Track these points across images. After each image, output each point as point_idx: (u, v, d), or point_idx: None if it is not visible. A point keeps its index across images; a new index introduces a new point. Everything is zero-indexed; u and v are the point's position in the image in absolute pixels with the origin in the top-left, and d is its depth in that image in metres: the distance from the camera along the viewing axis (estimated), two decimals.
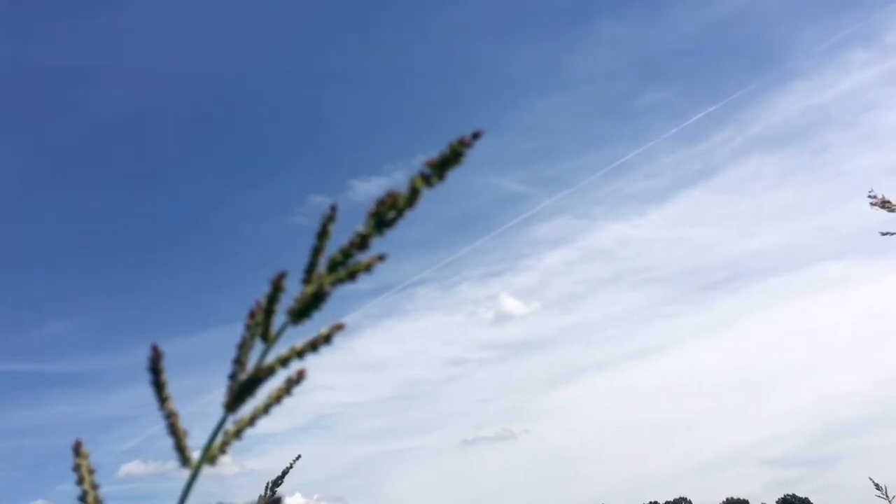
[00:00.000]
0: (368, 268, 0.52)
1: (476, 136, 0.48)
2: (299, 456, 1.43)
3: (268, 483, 1.44)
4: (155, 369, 0.51)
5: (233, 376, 0.53)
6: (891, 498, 2.77)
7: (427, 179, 0.49)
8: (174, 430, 0.53)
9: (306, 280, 0.52)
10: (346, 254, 0.51)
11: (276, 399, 0.57)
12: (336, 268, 0.51)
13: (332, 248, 0.53)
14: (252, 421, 0.56)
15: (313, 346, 0.54)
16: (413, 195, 0.49)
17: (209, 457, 0.54)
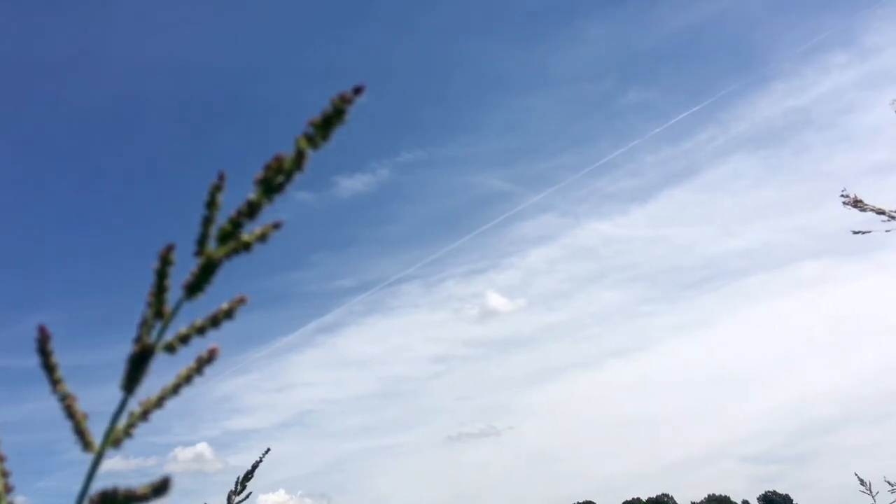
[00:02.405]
0: (263, 238, 0.50)
1: (357, 91, 0.45)
2: (268, 450, 1.42)
3: (238, 478, 1.43)
4: (43, 351, 0.49)
5: (129, 355, 0.51)
6: (874, 493, 2.75)
7: (311, 140, 0.46)
8: (71, 413, 0.51)
9: (198, 253, 0.50)
10: (236, 223, 0.49)
11: (186, 379, 0.55)
12: (227, 239, 0.49)
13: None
14: (160, 402, 0.54)
15: (214, 322, 0.52)
16: (299, 157, 0.47)
17: (112, 440, 0.52)
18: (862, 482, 2.73)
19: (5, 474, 0.56)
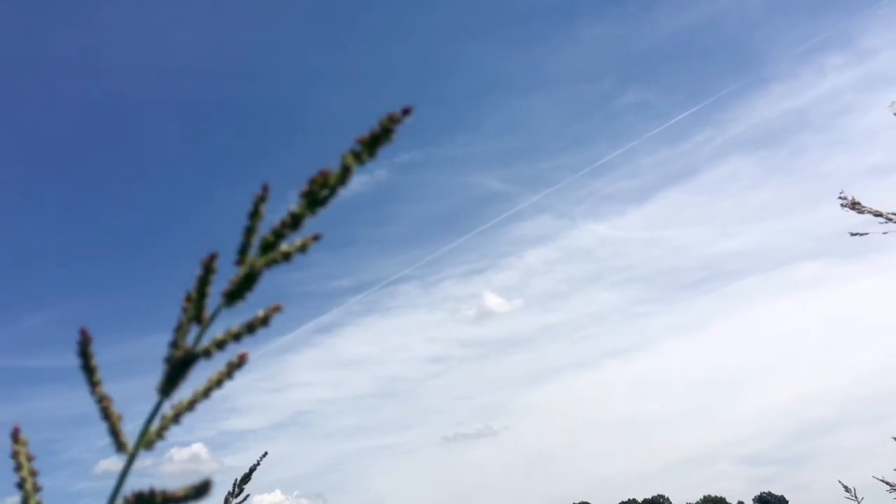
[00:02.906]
0: (303, 248, 0.51)
1: (406, 112, 0.47)
2: (266, 453, 1.43)
3: (235, 480, 1.43)
4: (84, 353, 0.50)
5: (168, 359, 0.52)
6: (860, 499, 2.79)
7: (358, 157, 0.48)
8: (107, 415, 0.52)
9: (239, 262, 0.51)
10: (279, 234, 0.50)
11: (217, 383, 0.56)
12: (269, 249, 0.50)
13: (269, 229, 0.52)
14: (191, 405, 0.55)
15: (250, 329, 0.53)
16: (345, 173, 0.48)
17: (145, 441, 0.53)
18: (846, 489, 2.77)
19: (34, 474, 0.57)
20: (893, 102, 2.01)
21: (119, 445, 0.53)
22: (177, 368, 0.50)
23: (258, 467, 1.39)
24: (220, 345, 0.53)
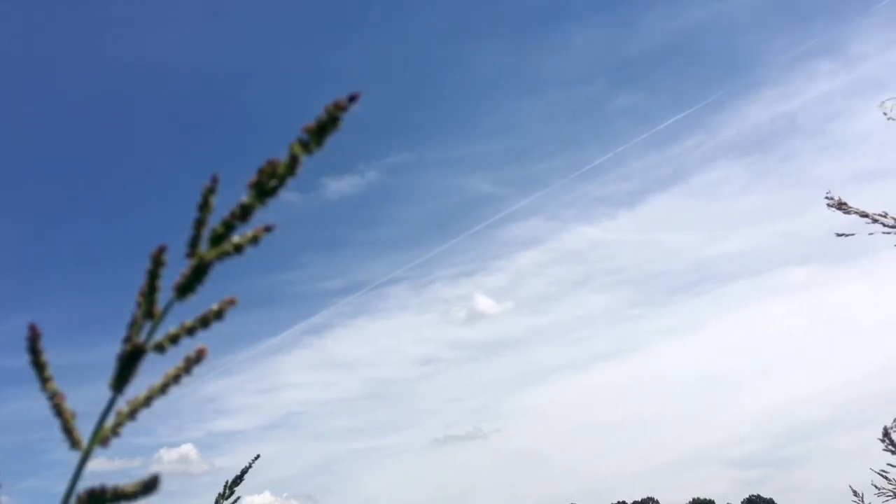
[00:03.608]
0: (255, 240, 0.50)
1: (353, 99, 0.46)
2: (258, 456, 1.42)
3: (226, 482, 1.42)
4: (34, 349, 0.50)
5: (119, 355, 0.51)
6: (861, 498, 2.78)
7: (305, 146, 0.47)
8: (60, 412, 0.51)
9: (190, 254, 0.50)
10: (228, 226, 0.49)
11: (174, 378, 0.55)
12: (219, 241, 0.50)
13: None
14: (147, 401, 0.54)
15: (204, 323, 0.52)
16: (293, 162, 0.48)
17: (100, 438, 0.52)
18: (855, 493, 2.76)
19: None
20: (883, 102, 2.01)
21: (73, 442, 0.52)
22: (126, 363, 0.49)
23: (249, 469, 1.39)
24: (174, 339, 0.52)
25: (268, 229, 0.50)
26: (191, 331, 0.52)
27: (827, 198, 1.93)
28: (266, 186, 0.48)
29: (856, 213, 1.94)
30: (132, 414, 0.54)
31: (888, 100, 2.03)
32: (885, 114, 2.03)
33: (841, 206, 1.93)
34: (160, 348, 0.51)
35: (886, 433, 2.44)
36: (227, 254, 0.50)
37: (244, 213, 0.49)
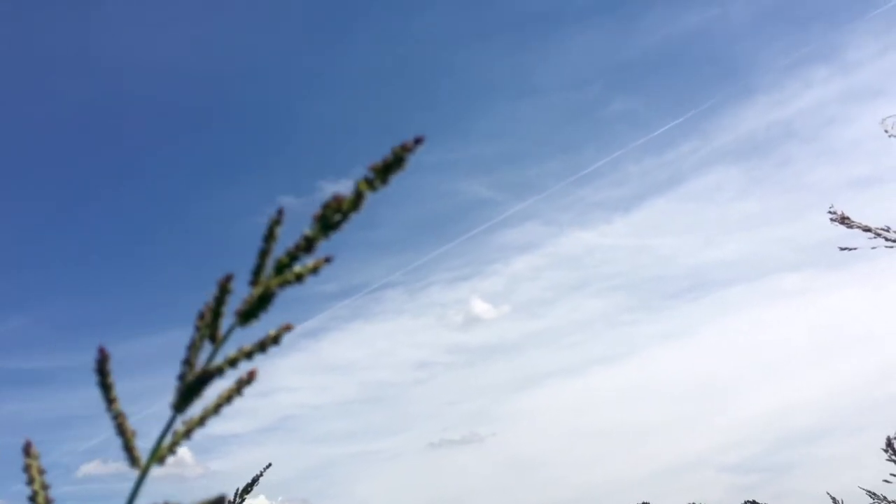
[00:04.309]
0: (315, 270, 0.53)
1: (418, 141, 0.49)
2: (270, 465, 1.44)
3: (237, 489, 1.44)
4: (102, 371, 0.52)
5: (182, 377, 0.53)
6: None
7: (371, 184, 0.50)
8: (122, 431, 0.53)
9: (253, 282, 0.52)
10: (293, 256, 0.52)
11: (227, 399, 0.58)
12: (283, 270, 0.52)
13: (280, 250, 0.54)
14: (202, 421, 0.57)
15: (262, 348, 0.55)
16: (357, 199, 0.50)
17: (158, 457, 0.54)
18: (834, 501, 2.80)
19: (46, 487, 0.58)
20: (884, 119, 2.05)
21: (132, 460, 0.54)
22: (192, 387, 0.51)
23: (261, 477, 1.41)
24: (233, 363, 0.54)
25: (328, 260, 0.53)
26: (249, 355, 0.54)
27: (830, 212, 1.97)
28: (330, 220, 0.51)
29: (858, 227, 1.98)
30: (188, 433, 0.56)
31: (889, 117, 2.08)
32: (886, 131, 2.08)
33: (844, 220, 1.97)
34: (220, 372, 0.54)
35: (890, 443, 2.48)
36: (289, 282, 0.52)
37: (308, 245, 0.51)
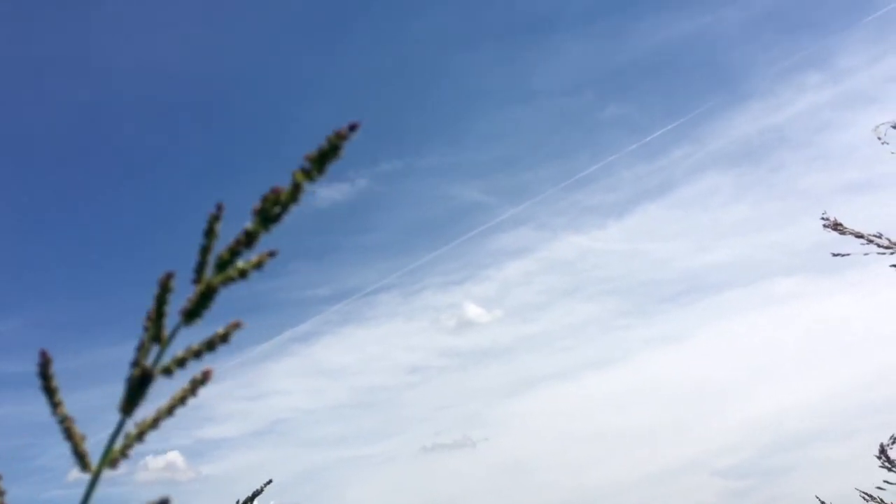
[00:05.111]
0: (259, 265, 0.52)
1: (353, 128, 0.47)
2: (270, 480, 1.44)
3: (238, 501, 1.44)
4: (44, 375, 0.51)
5: (128, 379, 0.53)
6: None
7: (307, 174, 0.48)
8: (70, 435, 0.52)
9: (196, 280, 0.51)
10: (234, 251, 0.51)
11: (180, 400, 0.57)
12: (224, 266, 0.51)
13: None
14: (155, 422, 0.56)
15: (210, 346, 0.54)
16: (295, 190, 0.49)
17: (109, 460, 0.53)
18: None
19: (2, 493, 0.58)
20: (877, 126, 2.03)
21: (83, 465, 0.53)
22: (136, 387, 0.50)
23: (261, 493, 1.41)
24: (181, 363, 0.53)
25: (272, 254, 0.51)
26: (197, 354, 0.53)
27: (823, 218, 1.96)
28: (270, 213, 0.50)
29: (851, 233, 1.97)
30: (140, 436, 0.55)
31: (882, 124, 2.06)
32: (879, 138, 2.06)
33: (836, 226, 1.96)
34: (168, 372, 0.53)
35: (883, 450, 2.45)
36: (232, 279, 0.51)
37: (249, 239, 0.50)
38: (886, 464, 2.70)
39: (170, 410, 0.56)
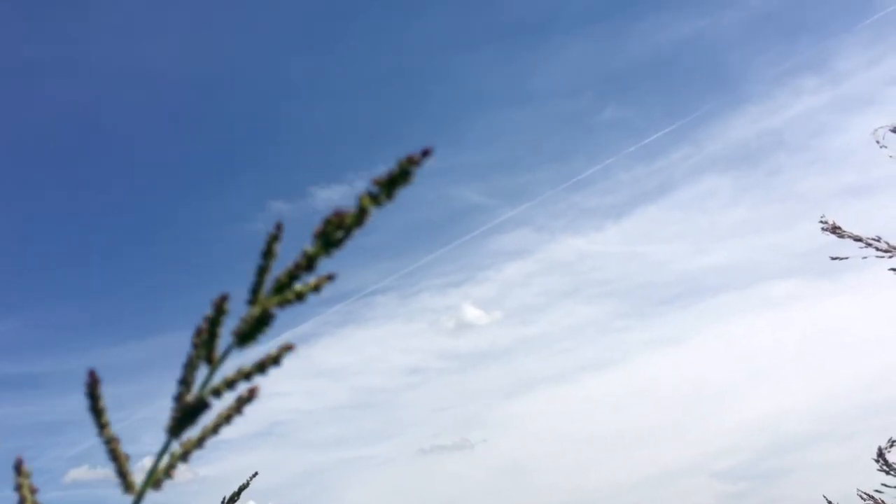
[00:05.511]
0: (317, 289, 0.50)
1: (426, 153, 0.45)
2: (256, 473, 1.43)
3: (224, 498, 1.43)
4: (92, 395, 0.49)
5: (178, 398, 0.51)
6: None
7: (375, 199, 0.46)
8: (115, 456, 0.51)
9: (251, 301, 0.49)
10: (292, 275, 0.48)
11: (226, 419, 0.55)
12: (282, 289, 0.49)
13: (284, 263, 0.51)
14: (200, 442, 0.54)
15: (261, 368, 0.52)
16: (361, 215, 0.47)
17: (153, 481, 0.52)
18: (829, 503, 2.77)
19: (33, 491, 0.56)
20: (876, 130, 2.01)
21: (126, 486, 0.52)
22: (188, 414, 0.49)
23: (233, 477, 1.40)
24: (231, 384, 0.51)
25: (330, 278, 0.49)
26: (248, 376, 0.51)
27: (821, 221, 1.95)
28: (332, 237, 0.47)
29: (850, 237, 1.95)
30: (185, 456, 0.53)
31: (881, 128, 2.04)
32: (877, 142, 2.04)
33: (835, 230, 1.94)
34: (217, 394, 0.51)
35: (881, 453, 2.45)
36: (289, 302, 0.49)
37: (309, 262, 0.48)
38: (884, 467, 2.70)
39: (215, 429, 0.54)
